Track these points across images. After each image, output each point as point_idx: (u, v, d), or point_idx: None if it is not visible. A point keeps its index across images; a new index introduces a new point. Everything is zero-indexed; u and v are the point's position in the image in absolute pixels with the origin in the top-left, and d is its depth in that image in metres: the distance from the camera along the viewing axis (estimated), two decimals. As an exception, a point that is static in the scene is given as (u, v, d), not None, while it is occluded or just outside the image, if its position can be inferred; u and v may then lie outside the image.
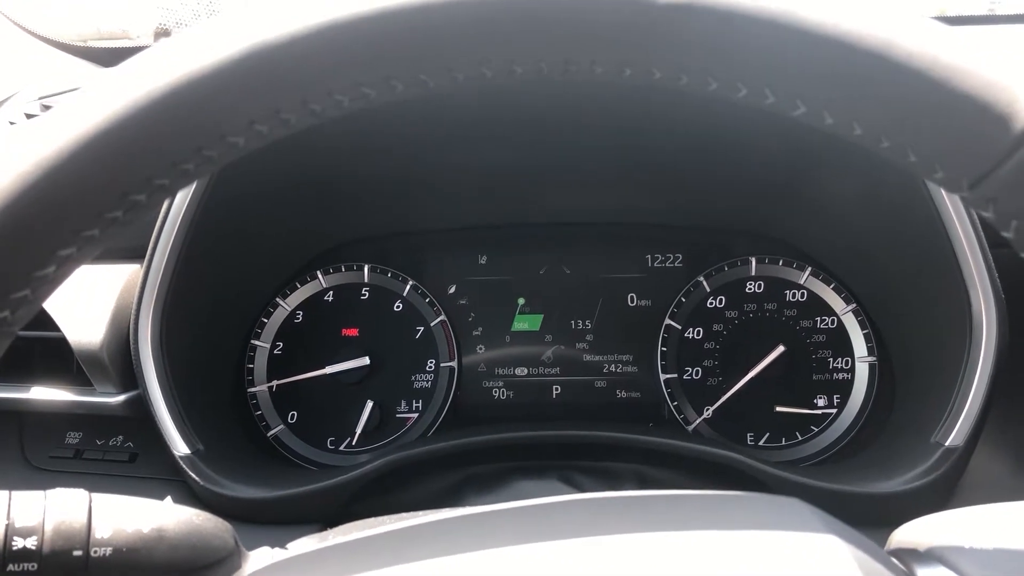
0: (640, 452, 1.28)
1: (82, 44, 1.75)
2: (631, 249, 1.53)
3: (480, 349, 1.52)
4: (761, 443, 1.44)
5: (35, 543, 0.67)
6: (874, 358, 1.43)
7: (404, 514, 0.80)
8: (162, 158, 0.47)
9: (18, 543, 0.66)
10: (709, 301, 1.49)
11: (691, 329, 1.49)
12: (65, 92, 1.43)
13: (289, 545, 0.79)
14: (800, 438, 1.44)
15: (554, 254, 1.53)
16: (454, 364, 1.51)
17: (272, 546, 0.83)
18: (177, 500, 0.75)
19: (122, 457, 1.29)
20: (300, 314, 1.51)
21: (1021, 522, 0.56)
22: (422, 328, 1.51)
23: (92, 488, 0.71)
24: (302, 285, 1.51)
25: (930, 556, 0.52)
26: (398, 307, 1.52)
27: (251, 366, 1.48)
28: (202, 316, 1.31)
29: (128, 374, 1.21)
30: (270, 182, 1.30)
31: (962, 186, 0.47)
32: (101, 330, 1.20)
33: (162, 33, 1.76)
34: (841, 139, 1.16)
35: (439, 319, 1.51)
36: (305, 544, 0.76)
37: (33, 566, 0.67)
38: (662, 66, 0.48)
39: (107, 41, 1.78)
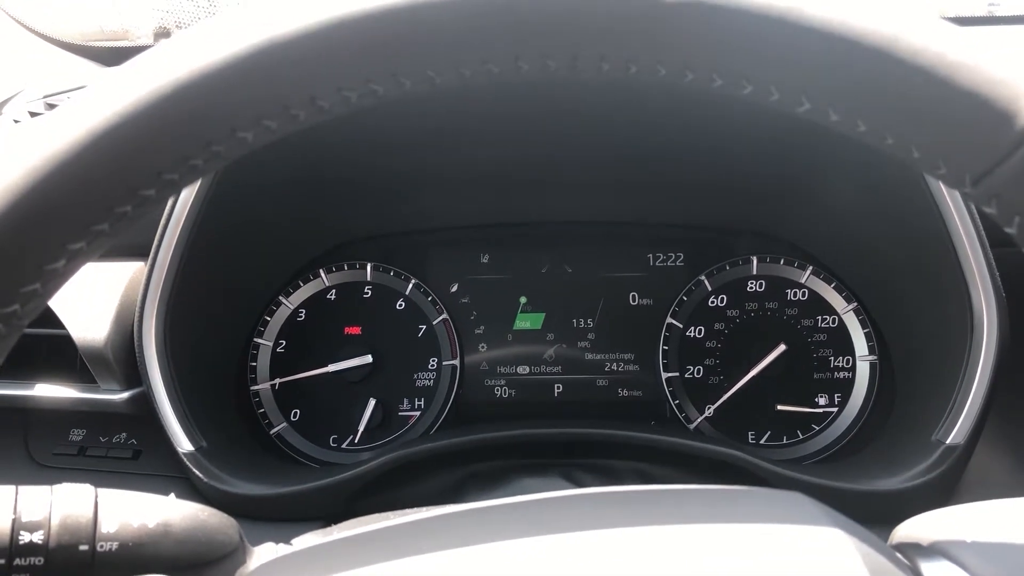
0: (642, 450, 1.29)
1: (84, 43, 1.76)
2: (632, 248, 1.54)
3: (482, 347, 1.53)
4: (762, 442, 1.45)
5: (42, 537, 0.67)
6: (875, 357, 1.43)
7: (408, 510, 0.81)
8: (171, 153, 0.47)
9: (25, 537, 0.67)
10: (710, 300, 1.50)
11: (692, 328, 1.49)
12: (69, 91, 1.43)
13: (293, 541, 0.80)
14: (801, 436, 1.44)
15: (556, 253, 1.54)
16: (456, 362, 1.51)
17: (276, 542, 0.83)
18: (180, 497, 0.75)
19: (125, 454, 1.30)
20: (303, 312, 1.51)
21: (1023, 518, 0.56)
22: (424, 326, 1.52)
23: (96, 485, 0.72)
24: (305, 283, 1.52)
25: (933, 550, 0.52)
26: (400, 305, 1.52)
27: (254, 364, 1.48)
28: (205, 314, 1.31)
29: (132, 371, 1.22)
30: (273, 181, 1.31)
31: (965, 182, 0.47)
32: (105, 328, 1.20)
33: (162, 33, 1.76)
34: (843, 137, 1.16)
35: (441, 317, 1.52)
36: (309, 540, 0.76)
37: (40, 560, 0.67)
38: (668, 64, 0.48)
39: (109, 41, 1.78)
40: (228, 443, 1.27)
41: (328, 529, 0.86)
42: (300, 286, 1.51)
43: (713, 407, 1.46)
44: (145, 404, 1.21)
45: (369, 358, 1.48)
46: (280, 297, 1.51)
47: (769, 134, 1.27)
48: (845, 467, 1.33)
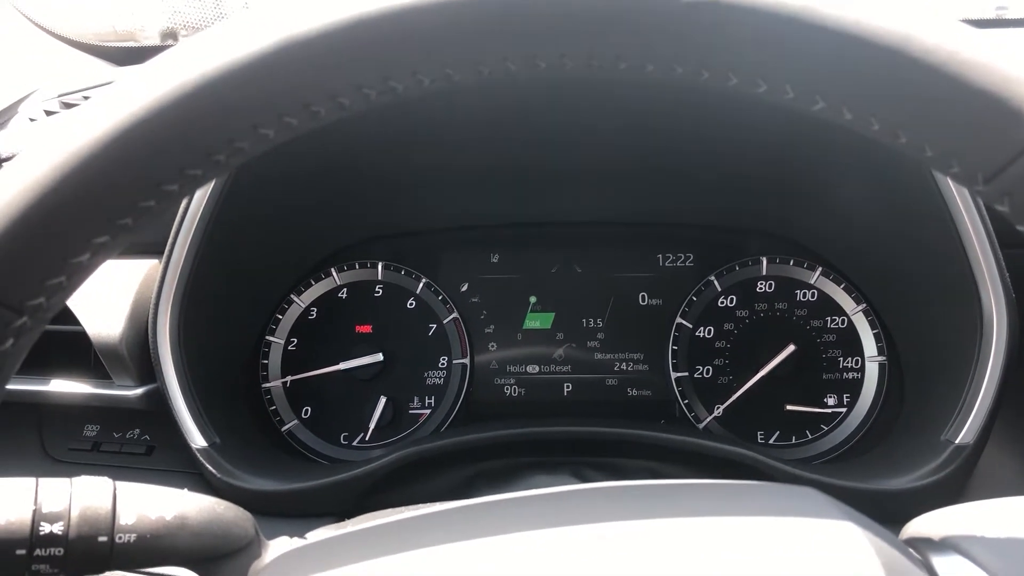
0: (652, 449, 1.29)
1: (98, 43, 1.77)
2: (642, 248, 1.54)
3: (492, 346, 1.53)
4: (771, 441, 1.45)
5: (61, 528, 0.68)
6: (884, 358, 1.44)
7: (421, 505, 0.81)
8: (195, 148, 0.48)
9: (45, 528, 0.68)
10: (720, 300, 1.50)
11: (702, 328, 1.50)
12: (84, 90, 1.44)
13: (308, 535, 0.80)
14: (810, 436, 1.45)
15: (566, 253, 1.54)
16: (466, 361, 1.52)
17: (290, 536, 0.84)
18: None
19: (139, 450, 1.31)
20: (314, 311, 1.52)
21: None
22: (435, 325, 1.53)
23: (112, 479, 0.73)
24: (316, 282, 1.52)
25: (945, 545, 0.52)
26: (411, 304, 1.53)
27: (265, 362, 1.49)
28: (219, 312, 1.32)
29: (146, 367, 1.23)
30: (286, 180, 1.32)
31: (977, 180, 0.48)
32: (120, 324, 1.21)
33: (169, 35, 1.78)
34: (854, 137, 1.16)
35: (452, 316, 1.52)
36: (324, 534, 0.77)
37: (60, 551, 0.68)
38: (684, 63, 0.49)
39: (122, 41, 1.79)
40: (241, 440, 1.28)
41: (342, 524, 0.86)
42: (312, 284, 1.52)
43: (722, 407, 1.46)
44: (159, 400, 1.22)
45: (380, 356, 1.49)
46: (292, 295, 1.51)
47: (779, 135, 1.27)
48: (854, 467, 1.33)
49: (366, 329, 1.52)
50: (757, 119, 1.24)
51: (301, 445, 1.48)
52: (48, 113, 1.40)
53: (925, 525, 0.63)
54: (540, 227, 1.56)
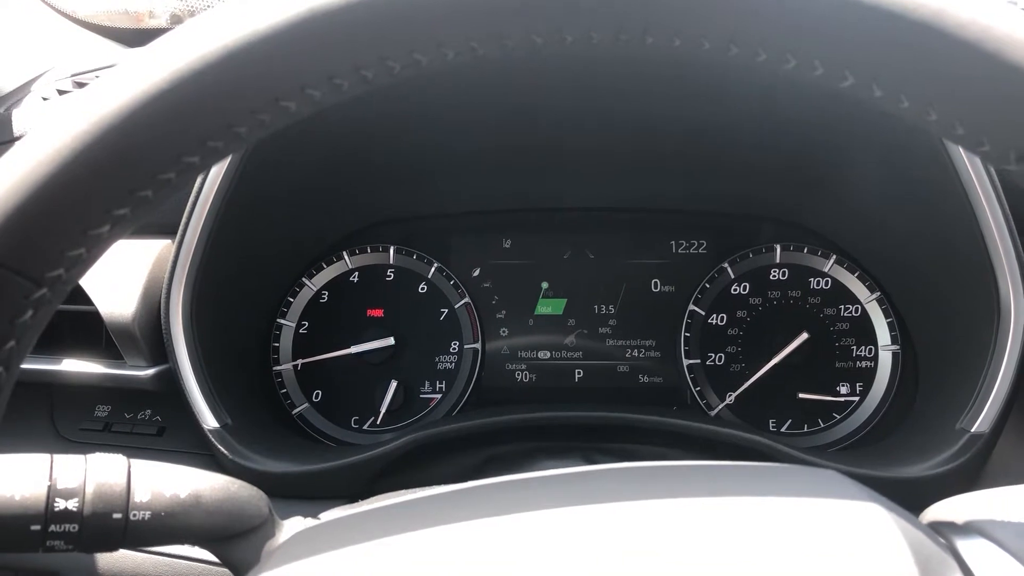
0: (664, 435, 1.29)
1: (110, 24, 1.77)
2: (655, 235, 1.54)
3: (503, 332, 1.53)
4: (783, 429, 1.45)
5: (76, 505, 0.68)
6: (897, 347, 1.43)
7: (436, 487, 0.81)
8: (217, 120, 0.48)
9: (60, 504, 0.68)
10: (733, 287, 1.50)
11: (715, 315, 1.49)
12: (96, 70, 1.44)
13: (321, 515, 0.80)
14: (822, 425, 1.44)
15: (578, 239, 1.54)
16: (478, 346, 1.51)
17: (303, 517, 0.84)
18: (205, 474, 0.76)
19: (150, 430, 1.30)
20: (326, 294, 1.52)
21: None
22: (446, 310, 1.52)
23: (125, 458, 0.73)
24: (328, 265, 1.52)
25: (969, 529, 0.52)
26: (423, 289, 1.53)
27: (277, 344, 1.49)
28: (231, 293, 1.32)
29: (158, 348, 1.23)
30: (299, 161, 1.31)
31: (1009, 159, 0.47)
32: (133, 304, 1.21)
33: (177, 19, 1.78)
34: (872, 124, 1.15)
35: (463, 301, 1.52)
36: (337, 513, 0.77)
37: (74, 527, 0.68)
38: (713, 38, 0.48)
39: (133, 23, 1.79)
40: (252, 422, 1.28)
41: (355, 504, 0.86)
42: (323, 268, 1.52)
43: (734, 394, 1.46)
44: (171, 381, 1.22)
45: (391, 340, 1.48)
46: (303, 278, 1.51)
47: (796, 121, 1.27)
48: (868, 455, 1.33)
49: (377, 313, 1.52)
50: (775, 105, 1.23)
51: (312, 428, 1.48)
52: (61, 93, 1.40)
53: (945, 511, 0.63)
54: (553, 213, 1.55)
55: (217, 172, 1.20)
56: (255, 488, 0.79)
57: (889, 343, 1.43)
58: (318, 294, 1.52)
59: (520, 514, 0.53)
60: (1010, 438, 1.16)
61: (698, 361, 1.48)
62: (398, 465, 1.24)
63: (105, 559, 1.13)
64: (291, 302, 1.50)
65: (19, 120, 1.35)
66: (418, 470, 1.27)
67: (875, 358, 1.44)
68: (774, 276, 1.49)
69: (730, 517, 0.49)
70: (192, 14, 1.76)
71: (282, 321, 1.50)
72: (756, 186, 1.45)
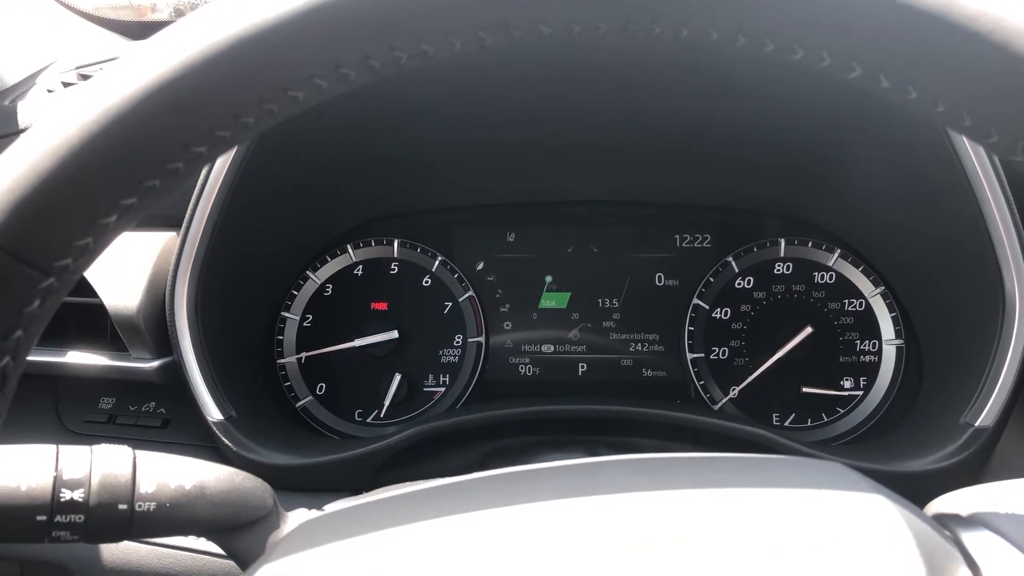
0: (667, 429, 1.29)
1: (115, 17, 1.77)
2: (660, 229, 1.53)
3: (507, 326, 1.53)
4: (787, 423, 1.45)
5: (82, 495, 0.68)
6: (901, 341, 1.43)
7: (440, 479, 0.81)
8: (225, 110, 0.48)
9: (66, 495, 0.68)
10: (737, 282, 1.49)
11: (719, 309, 1.49)
12: (101, 62, 1.44)
13: (326, 507, 0.80)
14: (826, 419, 1.44)
15: (582, 232, 1.54)
16: (481, 340, 1.51)
17: (308, 509, 0.84)
18: (209, 467, 0.76)
19: (155, 423, 1.31)
20: (330, 287, 1.52)
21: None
22: (450, 303, 1.52)
23: (129, 451, 0.73)
24: (332, 259, 1.52)
25: (973, 521, 0.52)
26: (427, 282, 1.53)
27: (281, 337, 1.49)
28: (235, 286, 1.32)
29: (163, 340, 1.23)
30: (304, 154, 1.31)
31: (1017, 150, 0.47)
32: (137, 296, 1.21)
33: (179, 13, 1.78)
34: (876, 118, 1.14)
35: (467, 295, 1.52)
36: (342, 505, 0.77)
37: (80, 518, 0.68)
38: (720, 28, 0.48)
39: (138, 16, 1.79)
40: (256, 414, 1.28)
41: (359, 496, 0.86)
42: (327, 261, 1.52)
43: (738, 388, 1.46)
44: (175, 373, 1.22)
45: (395, 334, 1.49)
46: (307, 272, 1.51)
47: (801, 116, 1.26)
48: (872, 449, 1.33)
49: (381, 306, 1.52)
50: (780, 101, 1.23)
51: (315, 421, 1.48)
52: (65, 85, 1.40)
53: (948, 504, 0.63)
54: (557, 206, 1.55)
55: (222, 165, 1.20)
56: (260, 479, 0.79)
57: (893, 338, 1.43)
58: (322, 287, 1.52)
59: (524, 504, 0.53)
60: (1014, 432, 1.16)
61: (702, 355, 1.48)
62: (402, 458, 1.24)
63: (110, 552, 1.13)
64: (295, 295, 1.50)
65: (24, 113, 1.35)
66: (422, 463, 1.27)
67: (879, 352, 1.44)
68: (778, 270, 1.49)
69: (736, 507, 0.49)
70: (194, 7, 1.76)
71: (286, 314, 1.50)
72: (760, 181, 1.45)
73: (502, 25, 0.48)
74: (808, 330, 1.43)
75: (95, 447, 0.72)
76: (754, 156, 1.39)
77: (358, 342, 1.48)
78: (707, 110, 1.30)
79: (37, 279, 0.48)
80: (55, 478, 0.68)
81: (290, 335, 1.50)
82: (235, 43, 0.47)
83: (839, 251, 1.47)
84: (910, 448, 1.17)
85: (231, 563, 0.77)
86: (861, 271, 1.46)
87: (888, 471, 1.12)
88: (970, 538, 0.49)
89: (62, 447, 0.71)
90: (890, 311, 1.44)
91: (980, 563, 0.47)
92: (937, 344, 1.35)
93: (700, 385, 1.47)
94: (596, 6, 0.47)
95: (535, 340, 1.53)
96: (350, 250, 1.52)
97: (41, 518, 0.67)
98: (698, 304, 1.49)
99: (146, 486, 0.71)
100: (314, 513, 0.77)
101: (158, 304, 1.23)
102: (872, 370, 1.44)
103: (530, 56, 1.18)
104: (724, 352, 1.48)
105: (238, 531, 0.76)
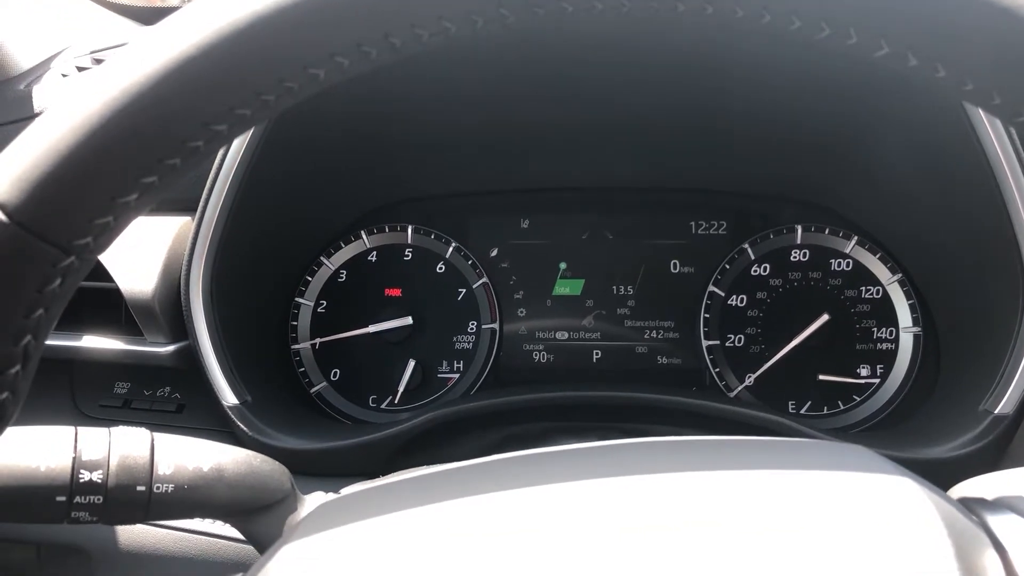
0: (682, 416, 1.28)
1: (128, 3, 1.77)
2: (675, 215, 1.53)
3: (521, 312, 1.53)
4: (803, 411, 1.44)
5: (101, 477, 0.68)
6: (919, 329, 1.42)
7: (458, 462, 0.81)
8: (245, 88, 0.47)
9: (85, 476, 0.68)
10: (753, 269, 1.49)
11: (734, 296, 1.49)
12: (114, 47, 1.44)
13: (343, 490, 0.80)
14: (842, 407, 1.43)
15: (597, 219, 1.53)
16: (495, 326, 1.51)
17: (325, 492, 0.84)
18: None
19: (169, 407, 1.31)
20: (344, 273, 1.52)
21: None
22: (464, 290, 1.52)
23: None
24: (346, 244, 1.52)
25: (999, 505, 0.51)
26: (441, 268, 1.52)
27: (295, 323, 1.49)
28: (250, 271, 1.32)
29: (178, 325, 1.23)
30: (318, 142, 1.31)
31: (1021, 112, 0.46)
32: (153, 281, 1.21)
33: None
34: (896, 102, 1.13)
35: (481, 281, 1.52)
36: (360, 487, 0.77)
37: (99, 499, 0.68)
38: (746, 5, 0.47)
39: (150, 1, 1.79)
40: (271, 399, 1.28)
41: (378, 479, 0.86)
42: (341, 247, 1.52)
43: (754, 376, 1.45)
44: (190, 357, 1.22)
45: (409, 320, 1.48)
46: (322, 257, 1.51)
47: (817, 100, 1.25)
48: (890, 436, 1.32)
49: (395, 292, 1.52)
50: (796, 84, 1.22)
51: (330, 407, 1.48)
52: (80, 69, 1.40)
53: (973, 488, 0.62)
54: (571, 193, 1.55)
55: (237, 150, 1.20)
56: (277, 463, 0.79)
57: (911, 325, 1.42)
58: (336, 273, 1.52)
59: (542, 486, 0.53)
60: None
61: (717, 342, 1.48)
62: (416, 444, 1.24)
63: (127, 535, 1.14)
64: (309, 281, 1.50)
65: (39, 97, 1.35)
66: (435, 449, 1.27)
67: (896, 340, 1.43)
68: (795, 257, 1.48)
69: (764, 489, 0.49)
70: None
71: (300, 300, 1.50)
72: (777, 166, 1.44)
73: (524, 2, 0.48)
74: (825, 317, 1.42)
75: (113, 429, 0.72)
76: (771, 142, 1.38)
77: (372, 328, 1.48)
78: (723, 95, 1.29)
79: (58, 257, 0.47)
80: (74, 459, 0.68)
81: (304, 321, 1.50)
82: (254, 20, 0.46)
83: (856, 238, 1.45)
84: (928, 436, 1.16)
85: (248, 547, 0.78)
86: (878, 258, 1.45)
87: (907, 458, 1.11)
88: (996, 521, 0.49)
89: (81, 429, 0.71)
90: (907, 298, 1.43)
91: (1007, 546, 0.46)
92: (955, 331, 1.34)
93: (715, 373, 1.47)
94: None
95: (549, 327, 1.53)
96: (364, 236, 1.52)
97: (60, 499, 0.67)
98: (714, 291, 1.49)
99: (164, 468, 0.71)
100: (332, 496, 0.76)
101: (173, 288, 1.23)
102: (889, 358, 1.43)
103: (546, 40, 1.17)
104: (740, 339, 1.48)
105: (255, 514, 0.76)
